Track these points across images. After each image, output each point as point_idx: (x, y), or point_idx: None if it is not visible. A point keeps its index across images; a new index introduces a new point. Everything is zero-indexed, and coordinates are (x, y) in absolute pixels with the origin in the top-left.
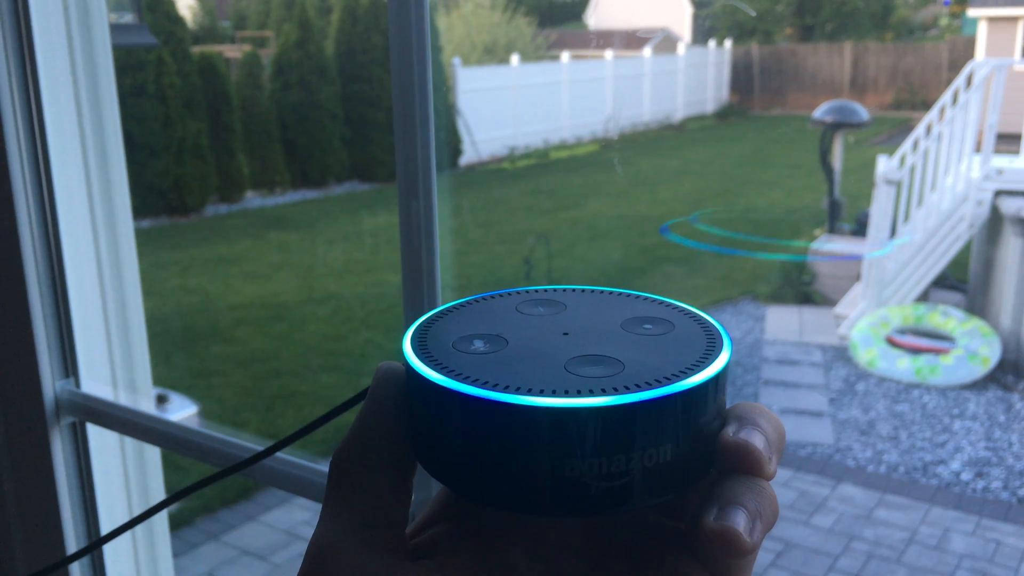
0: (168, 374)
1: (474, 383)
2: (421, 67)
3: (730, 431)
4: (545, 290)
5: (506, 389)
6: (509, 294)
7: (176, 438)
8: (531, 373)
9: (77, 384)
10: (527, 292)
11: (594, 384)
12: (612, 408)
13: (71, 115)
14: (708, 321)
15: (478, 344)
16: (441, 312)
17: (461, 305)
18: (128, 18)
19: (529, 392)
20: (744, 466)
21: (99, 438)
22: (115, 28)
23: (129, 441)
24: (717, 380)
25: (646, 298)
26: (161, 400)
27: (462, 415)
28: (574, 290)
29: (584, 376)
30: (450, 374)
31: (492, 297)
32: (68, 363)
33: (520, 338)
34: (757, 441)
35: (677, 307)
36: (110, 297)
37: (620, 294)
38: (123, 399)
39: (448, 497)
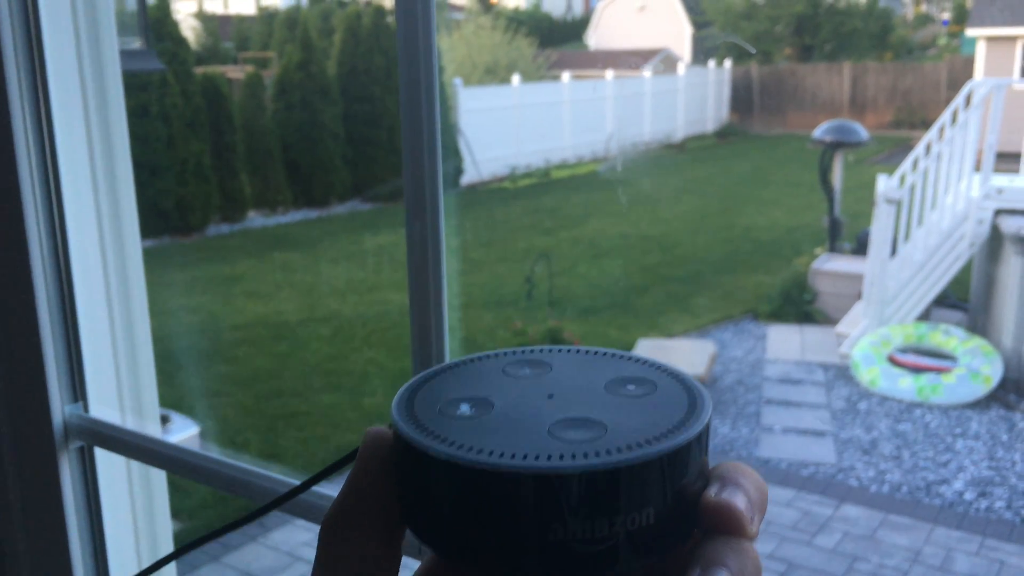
0: (170, 394)
1: (459, 448)
2: (429, 88)
3: (712, 492)
4: (532, 351)
5: (490, 454)
6: (497, 355)
7: (182, 462)
8: (515, 437)
9: (86, 408)
10: (514, 353)
11: (577, 448)
12: (594, 472)
13: (82, 143)
14: (689, 381)
15: (464, 408)
16: (429, 375)
17: (449, 367)
18: (136, 44)
19: (513, 457)
20: (726, 527)
21: (106, 462)
22: (123, 54)
23: (135, 464)
24: (699, 440)
25: (630, 358)
26: (162, 420)
27: (447, 480)
28: (560, 350)
29: (567, 440)
30: (436, 439)
31: (480, 359)
32: (77, 387)
33: (505, 401)
34: (739, 502)
35: (660, 367)
36: (118, 321)
37: (604, 354)
38: (130, 423)
39: (436, 561)
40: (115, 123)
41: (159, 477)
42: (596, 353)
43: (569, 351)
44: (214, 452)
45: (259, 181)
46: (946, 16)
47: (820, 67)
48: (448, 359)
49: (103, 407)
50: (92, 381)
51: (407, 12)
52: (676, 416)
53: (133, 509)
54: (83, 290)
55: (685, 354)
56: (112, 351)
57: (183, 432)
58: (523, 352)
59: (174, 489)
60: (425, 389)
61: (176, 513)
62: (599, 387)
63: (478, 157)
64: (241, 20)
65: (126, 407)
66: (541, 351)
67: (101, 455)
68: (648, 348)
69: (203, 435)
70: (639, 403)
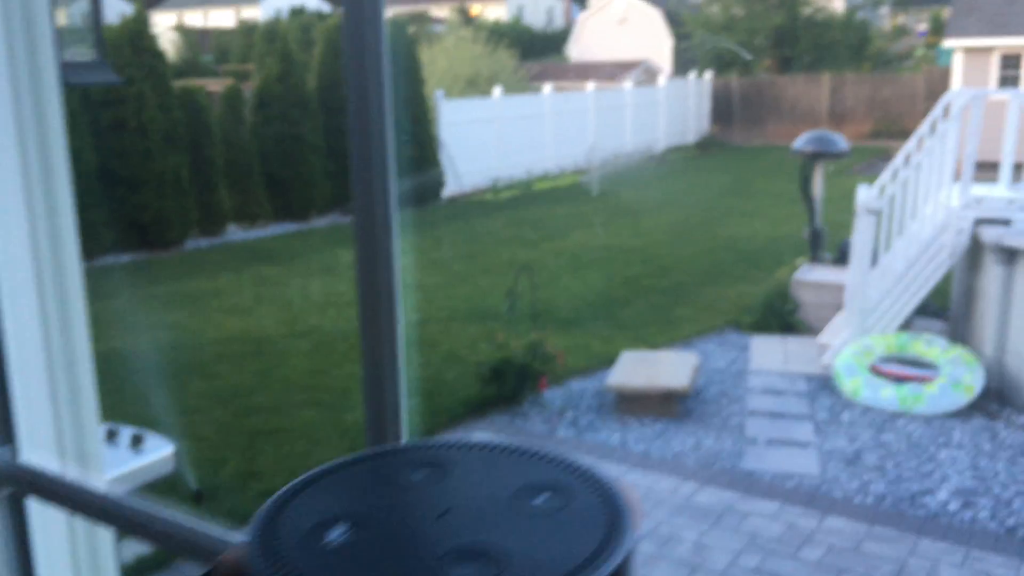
0: (146, 412)
1: None
2: (379, 103)
3: None
4: (431, 447)
5: None
6: (391, 453)
7: (131, 520)
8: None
9: (15, 453)
10: (411, 450)
11: None
12: None
13: (14, 160)
14: (609, 489)
15: (337, 533)
16: (307, 480)
17: (332, 470)
18: (88, 56)
19: None
20: None
21: (42, 514)
22: (73, 66)
23: (81, 520)
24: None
25: (543, 457)
26: (136, 440)
27: None
28: (463, 447)
29: None
30: None
31: (370, 459)
32: (5, 429)
33: (389, 520)
34: None
35: (576, 469)
36: (57, 360)
37: (515, 451)
38: (72, 472)
39: None
40: (53, 138)
41: (108, 535)
42: (505, 451)
43: (473, 448)
44: (189, 473)
45: (238, 194)
46: (923, 28)
47: (799, 78)
48: (403, 403)
49: (39, 452)
50: (24, 422)
51: (354, 26)
52: (591, 541)
53: (75, 567)
54: (13, 324)
55: (668, 366)
56: (49, 389)
57: (158, 452)
58: (420, 449)
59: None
60: (298, 501)
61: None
62: (504, 498)
63: (460, 169)
64: (221, 33)
65: (68, 454)
66: (441, 448)
67: (36, 507)
68: (632, 360)
69: (178, 455)
70: (549, 522)
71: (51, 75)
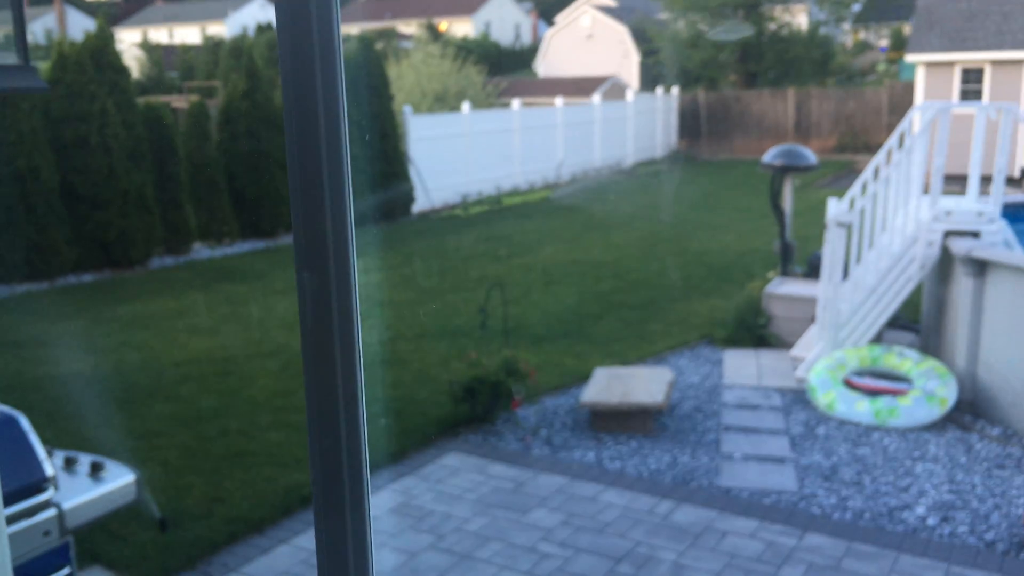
0: (107, 437)
1: None
2: (330, 112)
3: None
4: None
5: None
6: None
7: None
8: None
9: None
10: None
11: None
12: None
13: None
14: None
15: None
16: None
17: None
18: (9, 59)
19: None
20: None
21: None
22: None
23: None
24: None
25: None
26: (96, 468)
27: None
28: None
29: None
30: None
31: None
32: None
33: None
34: None
35: None
36: None
37: None
38: None
39: None
40: None
41: None
42: None
43: None
44: (152, 501)
45: (204, 212)
46: (884, 43)
47: (765, 93)
48: (364, 439)
49: None
50: None
51: (294, 33)
52: None
53: None
54: None
55: (643, 382)
56: None
57: (118, 481)
58: None
59: (108, 536)
60: None
61: (112, 563)
62: None
63: (429, 185)
64: (186, 49)
65: None
66: None
67: None
68: (605, 376)
69: (141, 483)
70: None
71: None
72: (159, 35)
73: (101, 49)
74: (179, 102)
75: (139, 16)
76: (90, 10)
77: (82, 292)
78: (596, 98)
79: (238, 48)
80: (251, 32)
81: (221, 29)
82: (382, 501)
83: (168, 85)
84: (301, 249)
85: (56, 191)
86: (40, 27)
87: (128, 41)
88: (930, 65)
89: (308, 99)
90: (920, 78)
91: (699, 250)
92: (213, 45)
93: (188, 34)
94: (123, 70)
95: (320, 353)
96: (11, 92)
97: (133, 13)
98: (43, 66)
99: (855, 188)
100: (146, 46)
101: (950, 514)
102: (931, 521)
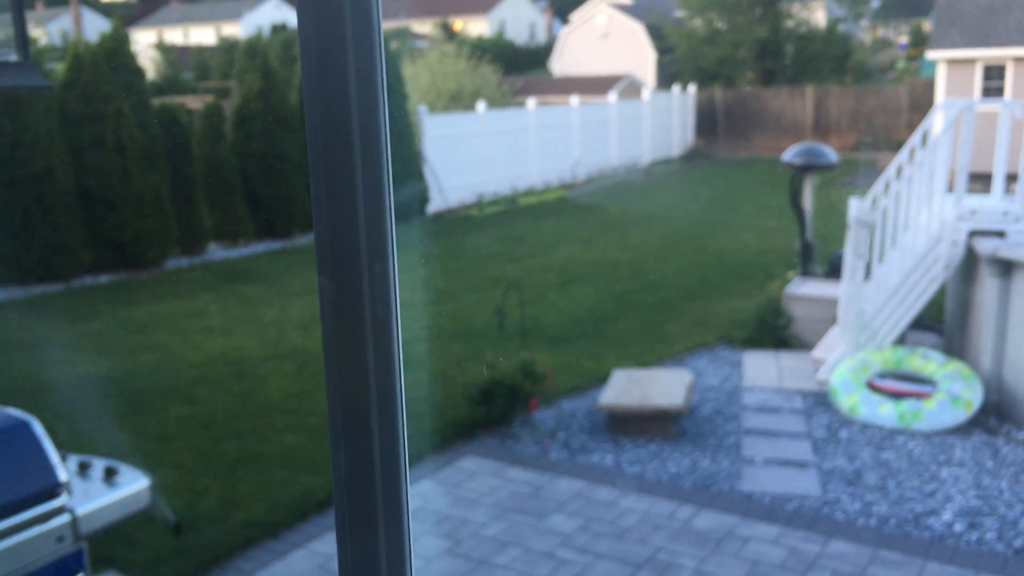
0: (122, 440)
1: None
2: (372, 105)
3: None
4: None
5: None
6: None
7: None
8: None
9: None
10: None
11: None
12: None
13: None
14: None
15: None
16: None
17: None
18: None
19: None
20: None
21: None
22: None
23: None
24: None
25: None
26: (109, 473)
27: None
28: None
29: None
30: None
31: None
32: None
33: None
34: None
35: None
36: None
37: None
38: None
39: None
40: None
41: None
42: None
43: None
44: (167, 505)
45: (219, 213)
46: (904, 40)
47: (783, 91)
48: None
49: None
50: None
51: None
52: None
53: None
54: None
55: (662, 384)
56: None
57: (132, 486)
58: None
59: (122, 540)
60: None
61: (127, 568)
62: None
63: (444, 185)
64: (201, 50)
65: None
66: None
67: None
68: (624, 378)
69: (155, 488)
70: None
71: None
72: (174, 36)
73: (116, 50)
74: (194, 103)
75: (154, 17)
76: (106, 11)
77: (97, 293)
78: (612, 97)
79: (253, 49)
80: (266, 32)
81: (236, 30)
82: None
83: (183, 86)
84: (324, 254)
85: (71, 192)
86: (56, 28)
87: (143, 42)
88: (951, 62)
89: (337, 94)
90: (941, 75)
91: (718, 250)
92: (228, 46)
93: (203, 35)
94: (138, 71)
95: (343, 361)
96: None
97: (148, 14)
98: (58, 67)
99: (877, 186)
100: (161, 47)
101: (977, 520)
102: (958, 527)
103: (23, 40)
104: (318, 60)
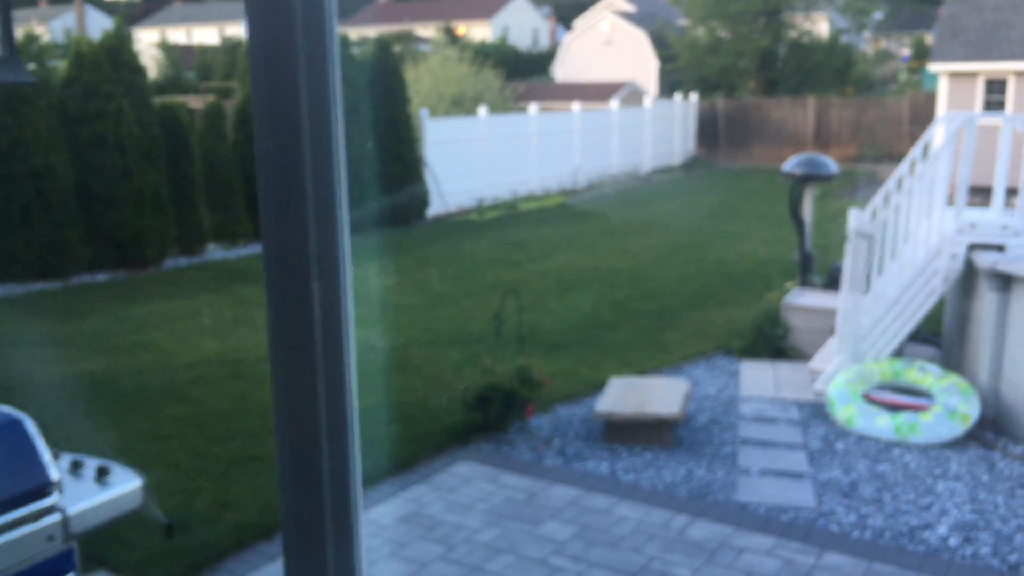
0: (116, 439)
1: None
2: (326, 112)
3: None
4: None
5: None
6: None
7: None
8: None
9: None
10: None
11: None
12: None
13: None
14: None
15: None
16: None
17: None
18: None
19: None
20: None
21: None
22: None
23: None
24: None
25: None
26: (102, 473)
27: None
28: None
29: None
30: None
31: None
32: None
33: None
34: None
35: None
36: None
37: None
38: None
39: None
40: None
41: None
42: None
43: None
44: (159, 506)
45: (219, 213)
46: (906, 52)
47: (785, 101)
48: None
49: None
50: None
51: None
52: None
53: None
54: None
55: (658, 392)
56: None
57: (125, 486)
58: None
59: (114, 539)
60: None
61: (118, 568)
62: None
63: (445, 189)
64: (204, 50)
65: None
66: None
67: None
68: (620, 386)
69: (148, 488)
70: None
71: None
72: (177, 35)
73: (118, 48)
74: (196, 102)
75: (157, 16)
76: (109, 10)
77: (96, 291)
78: (614, 104)
79: None
80: None
81: (239, 30)
82: (391, 510)
83: (185, 85)
84: (271, 271)
85: (71, 190)
86: (59, 26)
87: (146, 41)
88: (953, 75)
89: (285, 89)
90: (942, 88)
91: (717, 259)
92: (231, 46)
93: (206, 34)
94: (140, 70)
95: (291, 382)
96: None
97: (151, 13)
98: (60, 65)
99: (877, 198)
100: (164, 46)
101: (972, 534)
102: (953, 542)
103: (8, 35)
104: (266, 69)
